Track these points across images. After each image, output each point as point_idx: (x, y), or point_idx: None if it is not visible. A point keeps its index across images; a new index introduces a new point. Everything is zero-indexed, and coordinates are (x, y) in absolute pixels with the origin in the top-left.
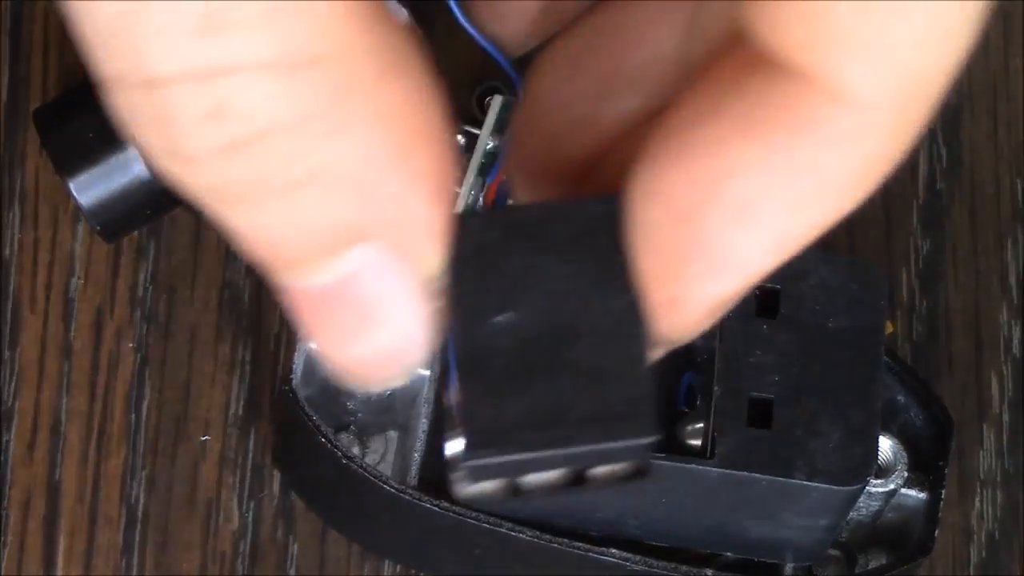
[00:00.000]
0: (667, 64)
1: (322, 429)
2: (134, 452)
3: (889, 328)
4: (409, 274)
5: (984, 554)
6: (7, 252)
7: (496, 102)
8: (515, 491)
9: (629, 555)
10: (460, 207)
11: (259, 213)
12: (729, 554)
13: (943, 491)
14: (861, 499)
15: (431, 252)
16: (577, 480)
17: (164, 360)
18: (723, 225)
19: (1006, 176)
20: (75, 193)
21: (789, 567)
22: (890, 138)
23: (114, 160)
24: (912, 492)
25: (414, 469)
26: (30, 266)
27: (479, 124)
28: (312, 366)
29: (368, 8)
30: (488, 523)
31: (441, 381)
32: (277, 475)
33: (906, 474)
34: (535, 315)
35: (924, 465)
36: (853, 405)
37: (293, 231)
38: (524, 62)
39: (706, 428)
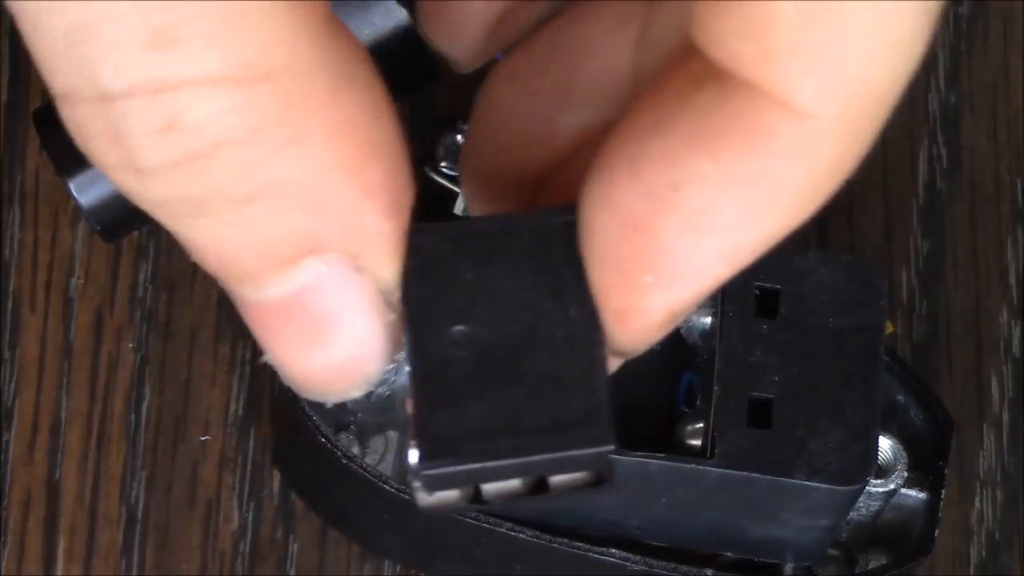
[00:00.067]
0: (620, 77)
1: (322, 429)
2: (134, 452)
3: (889, 328)
4: (364, 286)
5: (984, 554)
6: (7, 252)
7: None
8: (476, 499)
9: (629, 555)
10: (459, 208)
11: (213, 226)
12: (729, 554)
13: (943, 491)
14: (861, 499)
15: (385, 264)
16: (538, 488)
17: (164, 360)
18: (676, 235)
19: (1006, 176)
20: (75, 193)
21: (789, 567)
22: (841, 148)
23: None
24: (912, 492)
25: None
26: (30, 266)
27: None
28: None
29: (320, 23)
30: (488, 523)
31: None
32: (277, 475)
33: (906, 474)
34: (491, 326)
35: (924, 465)
36: (853, 405)
37: (247, 243)
38: (478, 77)
39: (706, 428)
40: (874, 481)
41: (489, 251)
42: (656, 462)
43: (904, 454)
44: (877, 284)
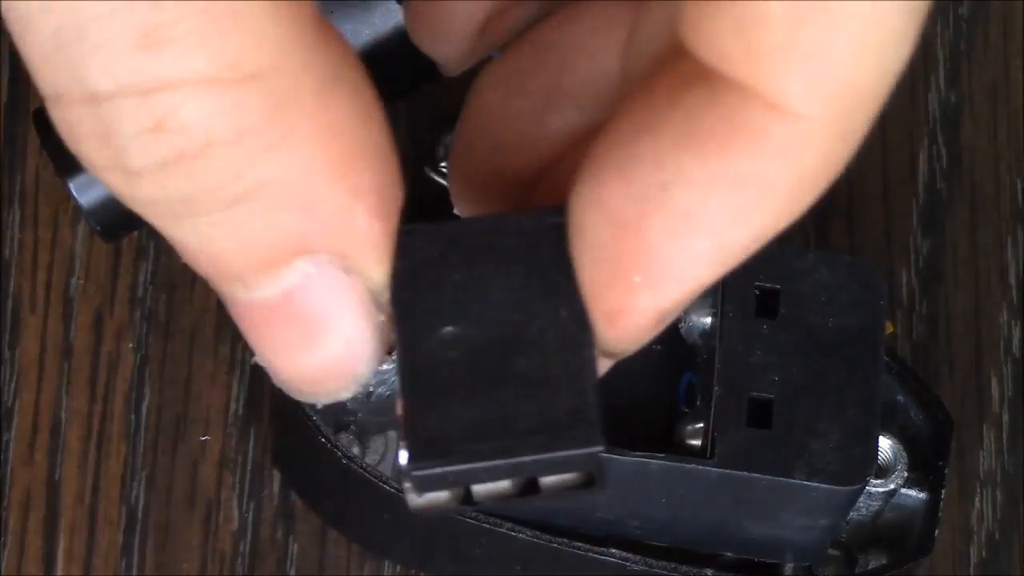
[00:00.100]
0: (608, 79)
1: (322, 429)
2: (134, 452)
3: (889, 328)
4: (353, 287)
5: (984, 554)
6: (7, 252)
7: None
8: (467, 500)
9: (629, 555)
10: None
11: (202, 226)
12: (729, 554)
13: (943, 491)
14: (861, 499)
15: (374, 265)
16: (529, 489)
17: (164, 360)
18: (664, 236)
19: (1006, 176)
20: (75, 193)
21: (789, 567)
22: (829, 149)
23: None
24: (912, 492)
25: None
26: (30, 266)
27: None
28: None
29: (308, 25)
30: (488, 523)
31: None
32: (277, 475)
33: (906, 474)
34: (480, 327)
35: (924, 465)
36: (853, 405)
37: (236, 244)
38: (467, 78)
39: (706, 428)
40: (874, 481)
41: (478, 252)
42: (656, 462)
43: (904, 454)
44: (877, 284)
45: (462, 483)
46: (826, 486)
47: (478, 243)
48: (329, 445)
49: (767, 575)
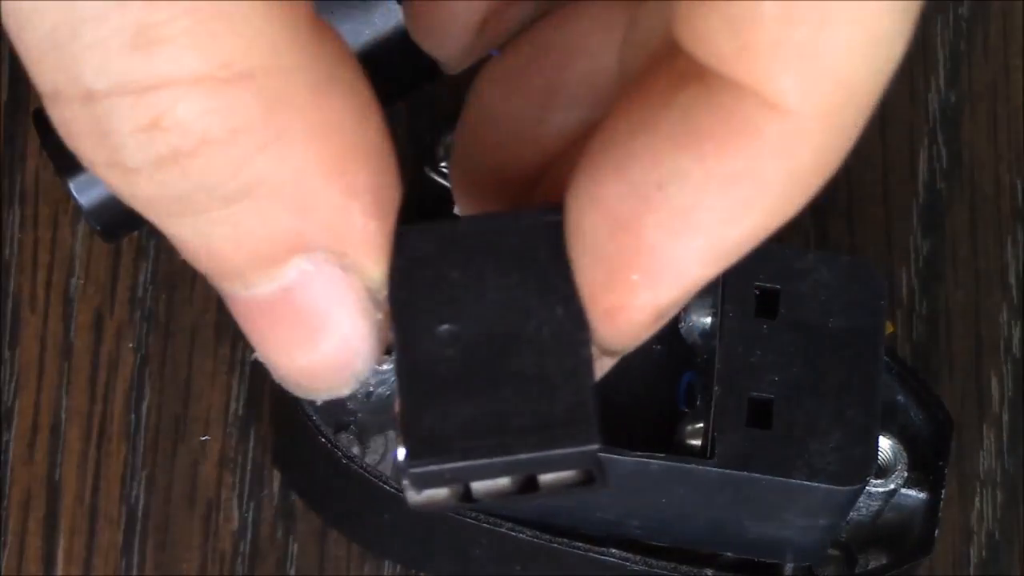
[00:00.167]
0: (607, 77)
1: (322, 429)
2: (134, 452)
3: (889, 328)
4: (351, 285)
5: (984, 554)
6: (7, 252)
7: None
8: (466, 497)
9: (629, 555)
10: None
11: (200, 224)
12: (729, 554)
13: (943, 491)
14: (861, 499)
15: (372, 264)
16: (528, 487)
17: (164, 360)
18: (661, 233)
19: (1006, 176)
20: (75, 193)
21: (789, 567)
22: (824, 146)
23: None
24: (912, 492)
25: None
26: (30, 266)
27: None
28: None
29: (303, 25)
30: (488, 523)
31: None
32: (277, 475)
33: (906, 474)
34: (477, 325)
35: (924, 465)
36: (853, 405)
37: (234, 241)
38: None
39: (706, 428)
40: (874, 481)
41: (476, 250)
42: (656, 462)
43: (904, 454)
44: (877, 284)
45: (459, 480)
46: (826, 486)
47: (476, 241)
48: (329, 445)
49: (767, 575)
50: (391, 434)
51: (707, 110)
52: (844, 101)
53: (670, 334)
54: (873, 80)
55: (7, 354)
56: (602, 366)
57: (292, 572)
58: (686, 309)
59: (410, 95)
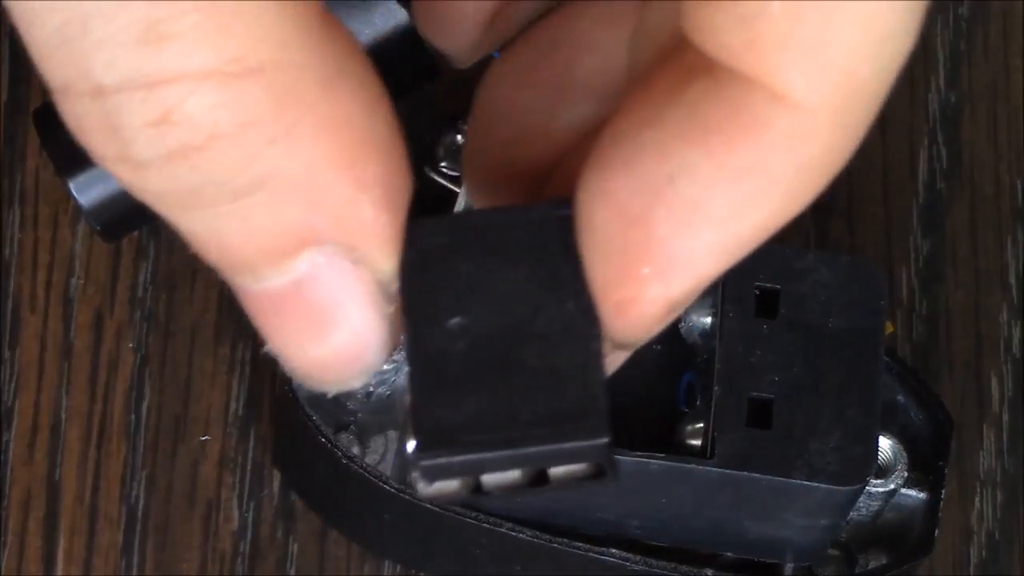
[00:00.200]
0: (617, 72)
1: (322, 429)
2: (134, 452)
3: (889, 328)
4: (362, 278)
5: (984, 554)
6: (7, 252)
7: None
8: (476, 490)
9: (629, 555)
10: (460, 207)
11: (210, 218)
12: (729, 554)
13: (943, 491)
14: (861, 499)
15: (383, 257)
16: (539, 480)
17: (164, 360)
18: (671, 226)
19: (1006, 176)
20: (75, 193)
21: (789, 567)
22: (833, 139)
23: None
24: (912, 492)
25: None
26: (30, 266)
27: None
28: None
29: (312, 19)
30: (488, 523)
31: None
32: (277, 475)
33: (906, 474)
34: (488, 318)
35: (924, 465)
36: (853, 405)
37: (245, 235)
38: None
39: (706, 428)
40: (874, 481)
41: (487, 244)
42: (656, 462)
43: (904, 454)
44: (877, 284)
45: (468, 473)
46: (826, 486)
47: (486, 235)
48: (329, 445)
49: (767, 575)
50: (391, 434)
51: (716, 104)
52: (853, 95)
53: (670, 334)
54: (881, 74)
55: (7, 354)
56: (614, 360)
57: (292, 572)
58: (686, 309)
59: (410, 95)
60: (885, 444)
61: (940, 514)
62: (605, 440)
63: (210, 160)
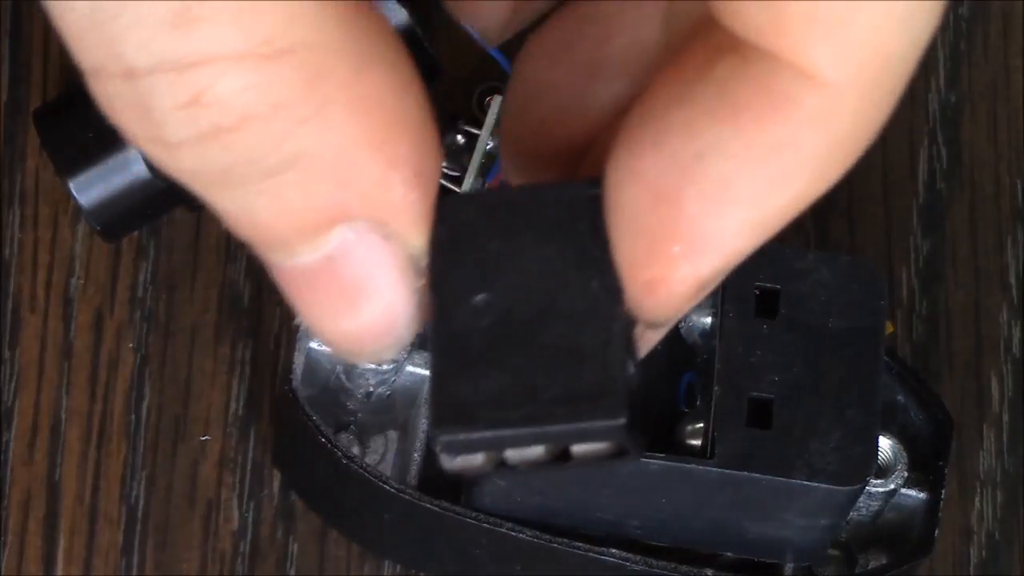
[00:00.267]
0: (651, 49)
1: (322, 429)
2: (134, 452)
3: (889, 328)
4: (393, 253)
5: (984, 554)
6: (7, 252)
7: (496, 102)
8: (501, 464)
9: (629, 555)
10: None
11: (242, 196)
12: (729, 554)
13: (943, 491)
14: (861, 499)
15: (413, 232)
16: (562, 456)
17: (164, 360)
18: (701, 205)
19: (1006, 176)
20: (75, 193)
21: (789, 567)
22: (860, 116)
23: (114, 160)
24: (912, 492)
25: (414, 469)
26: (30, 266)
27: (479, 124)
28: (312, 366)
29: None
30: (488, 523)
31: None
32: (277, 475)
33: (906, 474)
34: (513, 296)
35: (924, 465)
36: (853, 405)
37: (276, 213)
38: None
39: (706, 428)
40: (874, 481)
41: (516, 221)
42: (656, 462)
43: (904, 454)
44: (877, 284)
45: (486, 449)
46: (826, 486)
47: (515, 212)
48: (329, 445)
49: (767, 575)
50: (391, 434)
51: (744, 82)
52: (880, 71)
53: (670, 334)
54: (909, 49)
55: (7, 354)
56: (648, 340)
57: (292, 572)
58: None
59: None
60: (885, 444)
61: (940, 514)
62: (622, 421)
63: (241, 140)
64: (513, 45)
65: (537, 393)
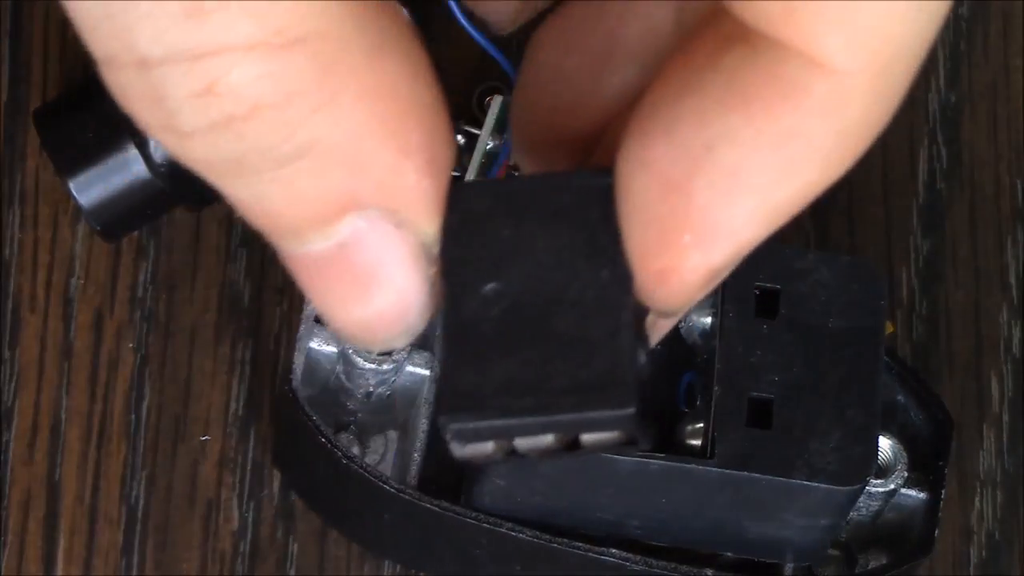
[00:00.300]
0: (663, 38)
1: (322, 429)
2: (134, 452)
3: (889, 328)
4: (405, 240)
5: (984, 554)
6: (7, 252)
7: (496, 102)
8: (510, 453)
9: (629, 555)
10: None
11: (255, 184)
12: (729, 554)
13: (943, 491)
14: (861, 499)
15: (424, 220)
16: (571, 445)
17: (164, 360)
18: (711, 194)
19: (1006, 176)
20: (75, 193)
21: (789, 567)
22: (870, 104)
23: (114, 160)
24: (912, 492)
25: (414, 469)
26: (30, 266)
27: (479, 124)
28: (312, 366)
29: None
30: (488, 523)
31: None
32: (277, 475)
33: (906, 474)
34: (523, 284)
35: (924, 465)
36: (853, 405)
37: (289, 200)
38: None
39: (706, 428)
40: (874, 481)
41: (527, 210)
42: (656, 462)
43: (904, 454)
44: (877, 284)
45: (495, 437)
46: (826, 486)
47: (527, 201)
48: (329, 445)
49: (767, 575)
50: (391, 434)
51: (754, 71)
52: (890, 59)
53: (670, 334)
54: (918, 38)
55: (7, 354)
56: (660, 328)
57: (292, 572)
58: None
59: None
60: (885, 444)
61: (940, 514)
62: (631, 410)
63: (254, 129)
64: (513, 45)
65: (547, 382)
